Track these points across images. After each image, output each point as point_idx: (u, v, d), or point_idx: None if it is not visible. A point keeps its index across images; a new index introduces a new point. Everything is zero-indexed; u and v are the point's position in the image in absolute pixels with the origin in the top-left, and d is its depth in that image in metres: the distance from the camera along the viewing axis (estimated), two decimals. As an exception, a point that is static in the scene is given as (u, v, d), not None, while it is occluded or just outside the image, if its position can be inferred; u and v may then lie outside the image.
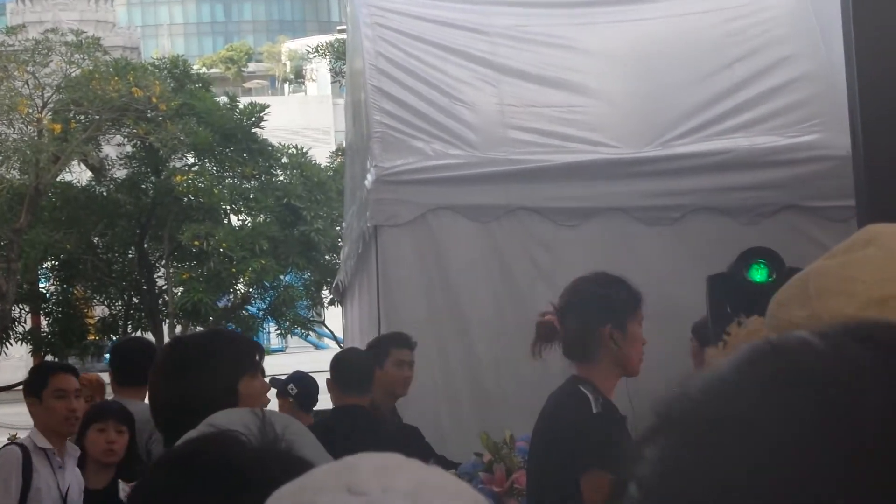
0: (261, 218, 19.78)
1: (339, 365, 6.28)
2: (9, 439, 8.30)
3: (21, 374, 11.54)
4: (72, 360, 20.02)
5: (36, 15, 43.22)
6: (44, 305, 21.04)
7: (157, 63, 21.54)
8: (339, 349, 10.28)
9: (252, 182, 20.12)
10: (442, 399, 6.75)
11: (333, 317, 19.10)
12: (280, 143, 20.96)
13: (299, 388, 7.21)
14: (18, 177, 19.73)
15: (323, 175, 20.91)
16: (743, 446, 0.74)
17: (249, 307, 20.88)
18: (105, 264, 20.64)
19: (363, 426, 5.85)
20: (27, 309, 20.98)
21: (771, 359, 0.78)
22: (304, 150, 21.04)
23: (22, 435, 7.80)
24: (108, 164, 20.95)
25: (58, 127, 19.20)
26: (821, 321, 1.47)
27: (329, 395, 6.40)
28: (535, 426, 4.26)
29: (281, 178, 20.52)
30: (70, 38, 20.26)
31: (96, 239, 20.67)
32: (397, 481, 1.02)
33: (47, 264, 20.83)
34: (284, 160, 20.71)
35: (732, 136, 7.19)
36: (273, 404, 6.27)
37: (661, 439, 0.78)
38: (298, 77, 66.08)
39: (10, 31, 22.48)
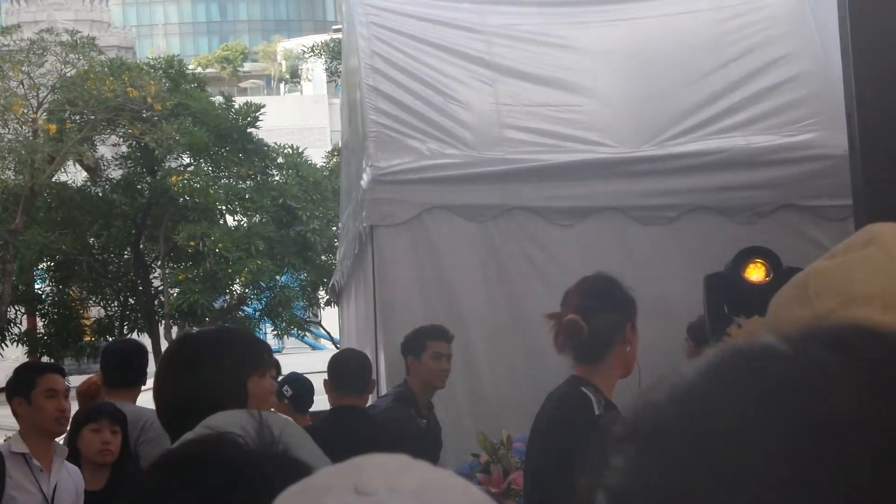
0: (257, 218, 19.78)
1: (336, 366, 6.28)
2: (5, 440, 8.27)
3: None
4: (67, 362, 20.03)
5: (31, 15, 43.19)
6: (39, 307, 21.03)
7: (152, 63, 21.53)
8: (336, 350, 10.27)
9: (248, 182, 20.11)
10: (437, 398, 6.73)
11: (330, 317, 19.09)
12: (276, 143, 20.96)
13: (294, 389, 7.19)
14: (13, 177, 19.71)
15: (319, 175, 20.91)
16: (707, 454, 0.73)
17: (246, 308, 20.88)
18: (101, 265, 20.62)
19: (361, 427, 5.83)
20: (23, 310, 20.96)
21: (736, 365, 0.77)
22: (300, 150, 21.04)
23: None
24: (104, 165, 20.92)
25: (53, 127, 19.18)
26: (821, 322, 1.46)
27: (326, 397, 6.39)
28: (533, 427, 4.24)
29: (277, 178, 20.52)
30: (65, 37, 20.24)
31: (92, 240, 20.66)
32: (404, 481, 1.02)
33: (43, 265, 20.81)
34: (280, 160, 20.71)
35: (729, 136, 7.18)
36: (269, 405, 6.25)
37: (627, 448, 0.77)
38: (294, 77, 66.05)
39: (5, 31, 22.45)
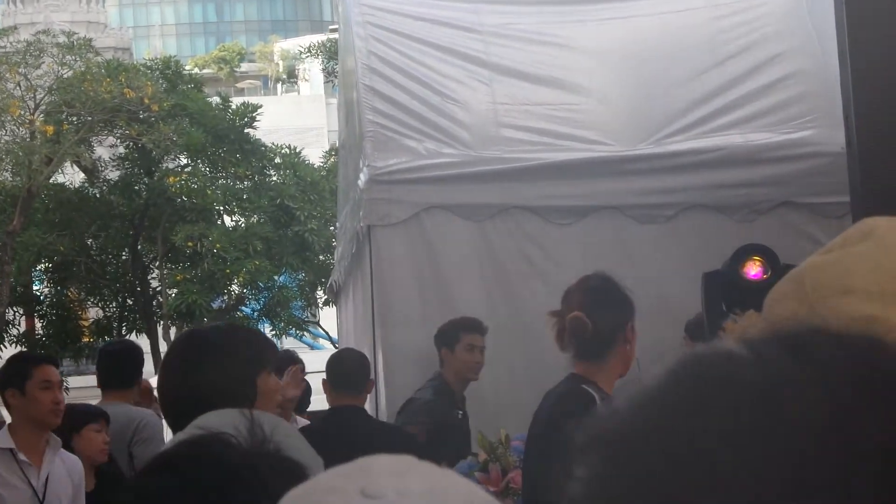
0: (254, 218, 19.79)
1: (335, 365, 6.28)
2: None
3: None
4: (66, 363, 20.03)
5: (27, 16, 43.20)
6: (38, 308, 21.04)
7: (149, 64, 21.53)
8: (334, 349, 10.26)
9: (245, 182, 20.11)
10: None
11: (328, 317, 19.10)
12: (273, 144, 20.95)
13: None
14: (11, 179, 19.71)
15: (316, 175, 20.91)
16: (667, 461, 0.73)
17: (244, 308, 20.88)
18: (99, 266, 20.62)
19: (360, 427, 5.83)
20: (21, 311, 20.97)
21: (696, 371, 0.77)
22: (298, 151, 21.04)
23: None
24: (101, 166, 20.94)
25: (50, 129, 19.18)
26: (818, 317, 1.46)
27: (324, 396, 6.39)
28: (532, 425, 4.24)
29: (274, 178, 20.52)
30: (62, 39, 20.23)
31: (90, 241, 20.66)
32: (412, 484, 1.02)
33: (41, 266, 20.82)
34: (277, 160, 20.71)
35: (726, 133, 7.17)
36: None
37: (590, 457, 0.76)
38: (291, 77, 66.04)
39: (2, 32, 22.46)
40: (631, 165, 7.09)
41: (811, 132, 7.02)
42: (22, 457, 5.37)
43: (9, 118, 19.34)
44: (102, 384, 6.66)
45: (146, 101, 19.13)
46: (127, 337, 19.54)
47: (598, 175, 7.06)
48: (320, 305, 21.45)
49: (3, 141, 19.47)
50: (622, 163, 7.10)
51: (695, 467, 0.72)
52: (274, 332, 20.60)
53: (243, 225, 19.85)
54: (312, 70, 50.80)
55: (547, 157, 7.11)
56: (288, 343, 19.89)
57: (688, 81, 7.40)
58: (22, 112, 19.39)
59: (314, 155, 23.83)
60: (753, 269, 5.38)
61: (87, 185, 21.12)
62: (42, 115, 19.59)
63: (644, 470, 0.73)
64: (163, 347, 18.65)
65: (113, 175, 20.77)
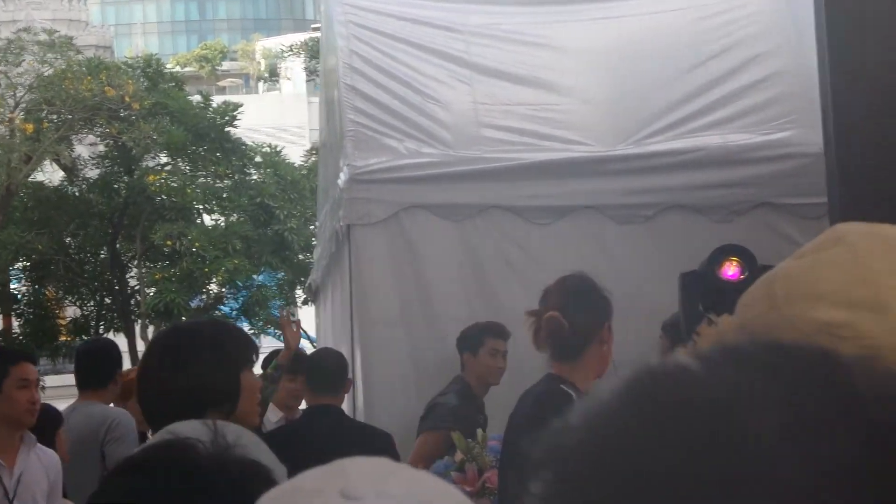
0: (234, 217, 19.76)
1: (314, 365, 6.26)
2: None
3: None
4: (43, 361, 19.96)
5: (8, 14, 43.00)
6: (15, 306, 20.96)
7: (130, 62, 21.49)
8: (313, 349, 10.24)
9: (225, 181, 20.09)
10: (414, 398, 6.73)
11: (307, 316, 19.07)
12: (254, 142, 20.93)
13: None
14: (-10, 176, 19.62)
15: (296, 174, 20.90)
16: (617, 478, 0.72)
17: (222, 307, 20.84)
18: (77, 265, 20.56)
19: (337, 427, 5.82)
20: (-2, 310, 20.90)
21: (648, 387, 0.76)
22: (278, 149, 21.02)
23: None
24: (81, 164, 20.87)
25: (30, 126, 19.12)
26: (787, 322, 1.46)
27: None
28: (509, 424, 4.23)
29: (254, 177, 20.50)
30: (43, 37, 20.19)
31: (68, 239, 20.60)
32: (391, 485, 1.03)
33: (19, 265, 20.75)
34: (258, 159, 20.68)
35: (706, 134, 7.19)
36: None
37: (545, 474, 0.76)
38: (273, 75, 65.90)
39: (-18, 30, 22.36)
40: (610, 166, 7.10)
41: (790, 133, 7.04)
42: None
43: (-12, 115, 19.27)
44: (79, 384, 6.64)
45: (127, 99, 19.08)
46: (105, 336, 19.49)
47: (578, 175, 7.07)
48: (299, 305, 21.43)
49: (-18, 138, 19.40)
50: (601, 163, 7.10)
51: (647, 488, 0.71)
52: (252, 331, 20.56)
53: (223, 224, 19.82)
54: (294, 69, 50.73)
55: (527, 158, 7.11)
56: (266, 342, 19.85)
57: (668, 82, 7.42)
58: (2, 110, 19.32)
59: (295, 154, 23.82)
60: (731, 270, 5.39)
61: (66, 183, 21.05)
62: (22, 113, 19.53)
63: (597, 490, 0.73)
64: (140, 346, 18.61)
65: (92, 173, 20.72)
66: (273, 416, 6.83)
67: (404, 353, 6.82)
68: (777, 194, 7.01)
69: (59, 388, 15.28)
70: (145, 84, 20.36)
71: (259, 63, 70.86)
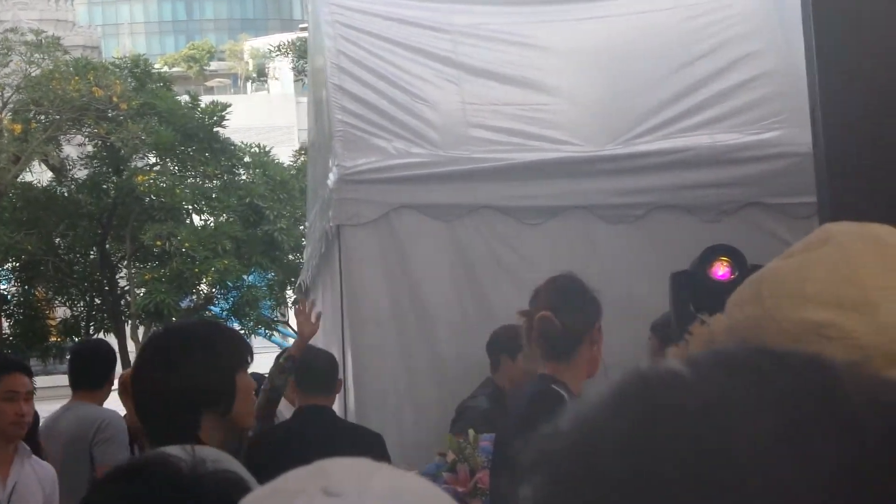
0: (223, 217, 19.74)
1: (304, 365, 6.24)
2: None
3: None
4: (33, 362, 19.91)
5: (-5, 14, 42.87)
6: (4, 307, 20.91)
7: (117, 62, 21.46)
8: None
9: (214, 181, 20.07)
10: (405, 398, 6.73)
11: (298, 316, 19.02)
12: (242, 142, 20.91)
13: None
14: (-22, 177, 19.58)
15: (286, 174, 20.89)
16: (609, 481, 0.73)
17: (212, 307, 20.82)
18: (66, 265, 20.52)
19: (330, 427, 5.82)
20: (-12, 311, 20.84)
21: (639, 392, 0.77)
22: (267, 150, 21.00)
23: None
24: (69, 165, 20.84)
25: (18, 127, 19.08)
26: (775, 322, 1.47)
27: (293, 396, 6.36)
28: (501, 425, 4.24)
29: (243, 177, 20.49)
30: (30, 37, 20.15)
31: (58, 240, 20.56)
32: (373, 483, 1.03)
33: (8, 266, 20.71)
34: (247, 159, 20.67)
35: (695, 134, 7.20)
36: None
37: (535, 478, 0.76)
38: (261, 75, 65.85)
39: (-31, 30, 22.30)
40: (600, 166, 7.11)
41: (779, 133, 7.06)
42: None
43: (-24, 116, 19.22)
44: (72, 385, 6.62)
45: (115, 99, 19.06)
46: (95, 336, 19.46)
47: (568, 175, 7.08)
48: (290, 305, 21.41)
49: (-30, 139, 19.35)
50: (591, 163, 7.11)
51: (639, 491, 0.71)
52: (243, 332, 20.55)
53: (212, 224, 19.80)
54: (282, 69, 50.68)
55: (516, 158, 7.11)
56: (257, 343, 19.83)
57: (657, 82, 7.42)
58: (-11, 110, 19.27)
59: (284, 154, 23.80)
60: (721, 270, 5.41)
61: (55, 183, 21.02)
62: (10, 114, 19.49)
63: (589, 492, 0.73)
64: (131, 347, 18.59)
65: (81, 174, 20.68)
66: (287, 412, 6.74)
67: (395, 353, 6.82)
68: (766, 194, 7.02)
69: (49, 389, 15.24)
70: (133, 84, 20.33)
71: (247, 63, 70.81)
